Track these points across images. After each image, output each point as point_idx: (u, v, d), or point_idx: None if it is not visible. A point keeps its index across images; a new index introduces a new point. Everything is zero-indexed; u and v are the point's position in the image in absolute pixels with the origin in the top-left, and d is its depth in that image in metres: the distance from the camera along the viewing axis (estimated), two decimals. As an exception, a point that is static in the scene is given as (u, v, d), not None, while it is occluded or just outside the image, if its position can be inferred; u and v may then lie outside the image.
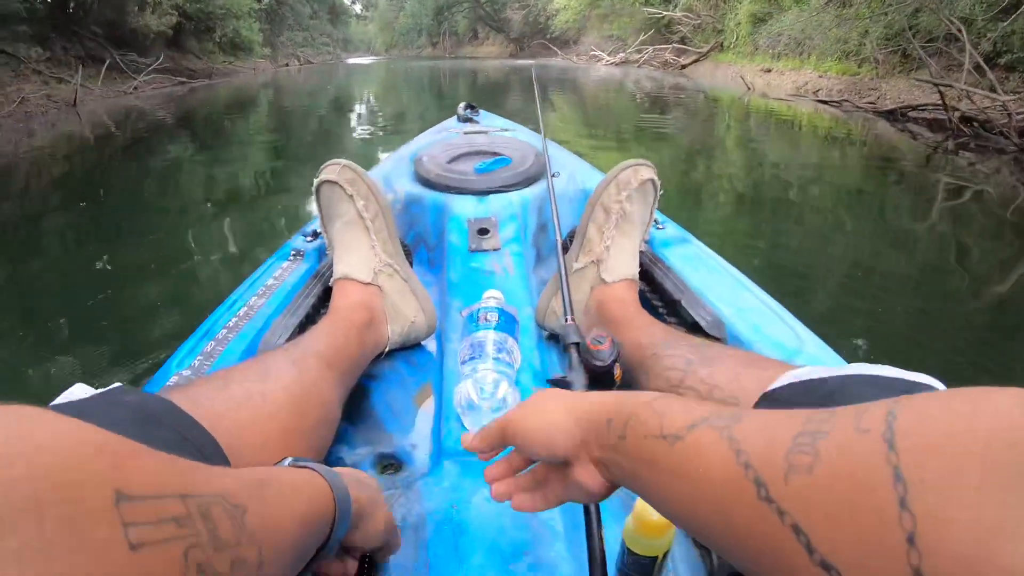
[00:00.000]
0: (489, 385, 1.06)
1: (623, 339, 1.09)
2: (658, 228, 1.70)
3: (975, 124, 7.83)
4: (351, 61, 44.81)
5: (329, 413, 0.97)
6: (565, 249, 1.35)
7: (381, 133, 9.10)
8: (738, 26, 18.73)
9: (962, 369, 2.52)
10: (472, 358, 1.11)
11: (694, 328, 1.23)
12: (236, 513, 0.42)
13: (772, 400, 0.73)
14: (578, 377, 0.92)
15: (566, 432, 0.62)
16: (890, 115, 9.52)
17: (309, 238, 1.66)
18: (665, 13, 22.83)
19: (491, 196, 1.75)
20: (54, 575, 0.29)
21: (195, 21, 20.63)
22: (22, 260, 3.93)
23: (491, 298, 1.26)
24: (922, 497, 0.30)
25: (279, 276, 1.48)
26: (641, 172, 1.32)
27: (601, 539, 0.68)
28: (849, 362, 0.77)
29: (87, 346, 2.75)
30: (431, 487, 0.95)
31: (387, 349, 1.31)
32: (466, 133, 2.37)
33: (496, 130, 2.47)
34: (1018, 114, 7.25)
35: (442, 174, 1.82)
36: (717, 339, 1.17)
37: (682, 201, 5.11)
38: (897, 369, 0.66)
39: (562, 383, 0.93)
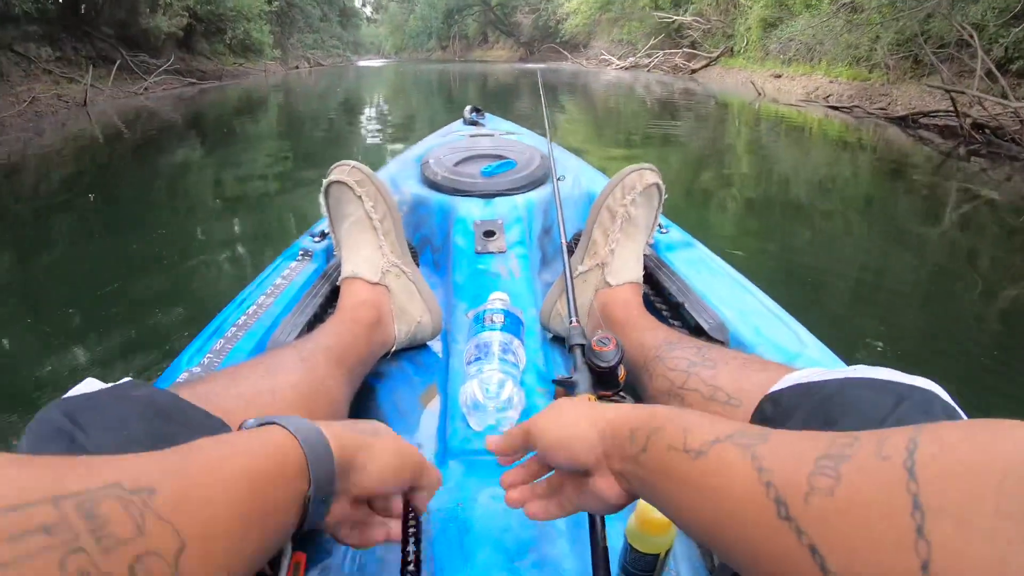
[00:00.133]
0: (495, 385, 1.07)
1: (627, 341, 1.10)
2: (662, 232, 1.72)
3: (987, 131, 7.78)
4: (361, 63, 44.97)
5: (337, 411, 0.98)
6: (570, 252, 1.34)
7: (390, 136, 9.13)
8: (748, 31, 18.70)
9: (974, 377, 2.52)
10: (478, 359, 1.12)
11: (697, 331, 1.25)
12: (137, 500, 0.38)
13: (774, 403, 0.73)
14: (583, 378, 0.92)
15: (588, 442, 0.63)
16: (901, 121, 9.45)
17: (317, 238, 1.68)
18: (675, 18, 22.83)
19: (497, 199, 1.76)
20: None
21: (206, 23, 20.70)
22: (33, 257, 3.97)
23: (497, 300, 1.27)
24: (939, 526, 0.31)
25: (287, 275, 1.50)
26: (646, 176, 1.33)
27: (604, 537, 0.70)
28: (849, 364, 0.78)
29: (97, 341, 2.77)
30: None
31: (393, 349, 1.33)
32: (472, 136, 2.38)
33: (502, 133, 2.48)
34: (1030, 121, 7.23)
35: (448, 176, 1.83)
36: (720, 342, 1.18)
37: (692, 207, 5.11)
38: (896, 372, 0.66)
39: (567, 384, 0.93)
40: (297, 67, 31.54)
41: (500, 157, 1.99)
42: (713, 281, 1.48)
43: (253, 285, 1.46)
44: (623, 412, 0.62)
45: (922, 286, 3.55)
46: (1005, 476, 0.31)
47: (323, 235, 1.68)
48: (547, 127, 2.01)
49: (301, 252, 1.62)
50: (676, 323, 1.36)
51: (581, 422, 0.65)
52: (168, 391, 0.71)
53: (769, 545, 0.40)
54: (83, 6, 15.50)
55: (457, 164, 1.94)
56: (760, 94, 14.06)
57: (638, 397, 1.08)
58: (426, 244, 1.79)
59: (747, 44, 18.96)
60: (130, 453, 0.43)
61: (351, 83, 23.15)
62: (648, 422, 0.57)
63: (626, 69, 25.00)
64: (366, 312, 1.25)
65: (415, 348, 1.42)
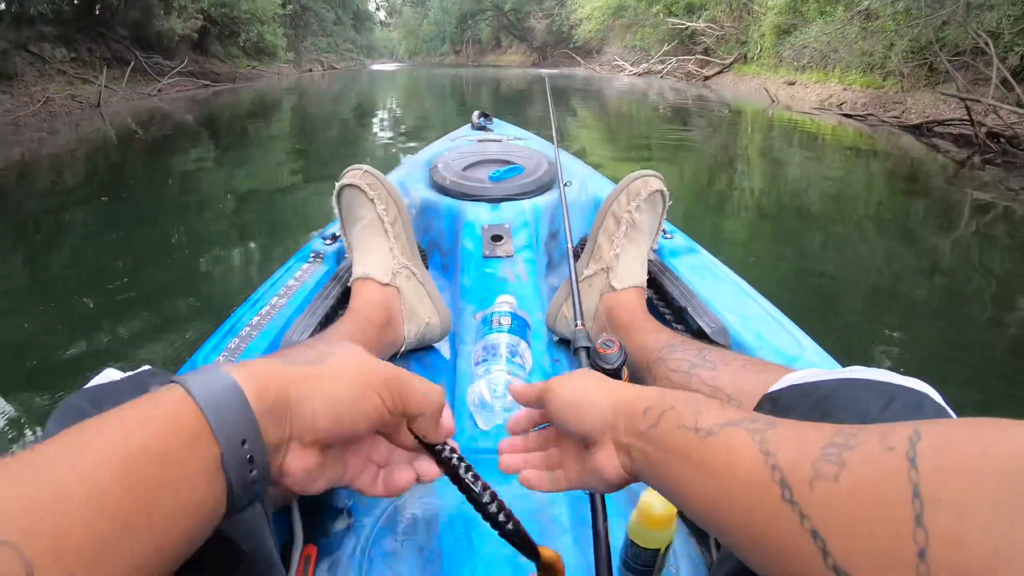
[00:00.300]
0: (501, 386, 1.09)
1: (630, 344, 1.14)
2: (666, 238, 1.74)
3: (1002, 140, 7.71)
4: (374, 67, 45.16)
5: None
6: (576, 256, 1.38)
7: (403, 139, 9.15)
8: (762, 37, 18.66)
9: (987, 385, 2.49)
10: (485, 360, 1.15)
11: (699, 335, 1.27)
12: None
13: (772, 401, 0.75)
14: None
15: (599, 410, 0.62)
16: (915, 129, 9.37)
17: (328, 241, 1.71)
18: (689, 24, 22.80)
19: (504, 204, 1.79)
20: None
21: (220, 25, 20.79)
22: (47, 255, 4.02)
23: (504, 303, 1.30)
24: (936, 516, 0.32)
25: (299, 277, 1.53)
26: (651, 183, 1.36)
27: (606, 532, 0.72)
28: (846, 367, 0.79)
29: (112, 336, 2.81)
30: (443, 483, 0.98)
31: (403, 349, 1.36)
32: (480, 141, 2.40)
33: (510, 138, 2.51)
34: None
35: (457, 181, 1.86)
36: (721, 345, 1.20)
37: (705, 213, 5.11)
38: (891, 373, 0.68)
39: None
40: (310, 70, 31.66)
41: (508, 162, 2.01)
42: (716, 286, 1.49)
43: (266, 286, 1.49)
44: (640, 390, 0.62)
45: (935, 296, 3.53)
46: (1003, 471, 0.32)
47: (334, 238, 1.71)
48: (554, 133, 2.03)
49: (313, 254, 1.65)
50: (679, 327, 1.38)
51: (596, 390, 0.65)
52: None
53: (771, 527, 0.41)
54: (98, 7, 15.58)
55: (465, 169, 1.97)
56: (774, 101, 13.95)
57: None
58: (435, 247, 1.82)
59: (761, 51, 18.92)
60: None
61: (364, 87, 23.22)
62: (661, 402, 0.57)
63: (639, 75, 24.97)
64: (377, 313, 1.28)
65: (423, 349, 1.45)
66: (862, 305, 3.38)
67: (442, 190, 1.87)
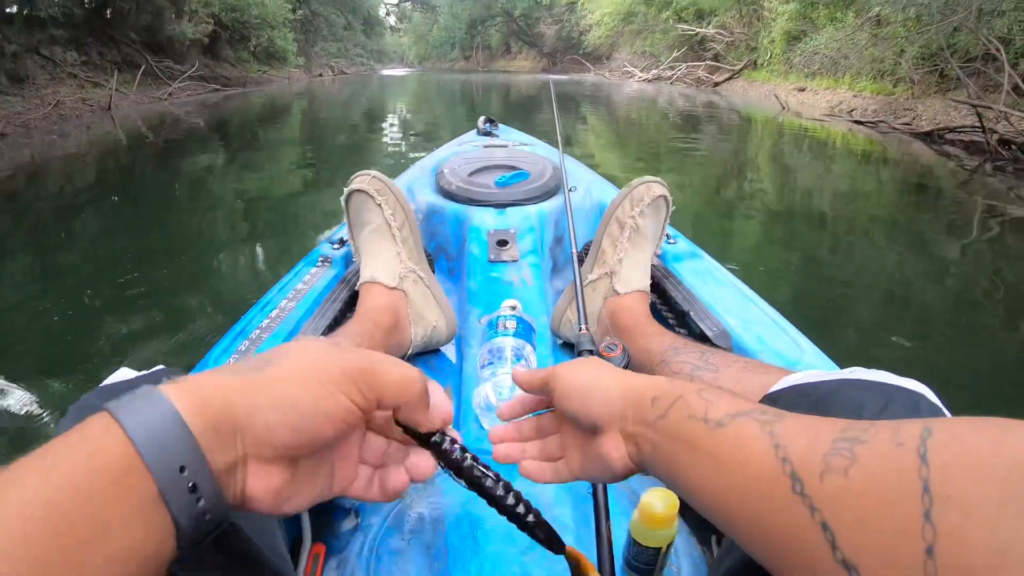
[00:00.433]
0: (507, 389, 1.10)
1: (634, 347, 1.16)
2: (670, 243, 1.75)
3: (1014, 147, 7.66)
4: (385, 72, 45.26)
5: None
6: (580, 261, 1.40)
7: (412, 144, 9.14)
8: (772, 44, 18.63)
9: (999, 393, 2.49)
10: (491, 363, 1.16)
11: (702, 338, 1.29)
12: None
13: (772, 402, 0.74)
14: None
15: (607, 397, 0.61)
16: (927, 136, 9.31)
17: (336, 246, 1.73)
18: (698, 30, 22.78)
19: (510, 209, 1.81)
20: None
21: (230, 30, 20.87)
22: (57, 257, 4.07)
23: (509, 307, 1.32)
24: (945, 513, 0.33)
25: (308, 281, 1.55)
26: (654, 189, 1.39)
27: (609, 531, 0.73)
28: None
29: (122, 338, 2.82)
30: (450, 482, 0.98)
31: (409, 352, 1.38)
32: (486, 147, 2.43)
33: (515, 144, 2.53)
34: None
35: (463, 186, 1.88)
36: (723, 349, 1.21)
37: (714, 222, 5.09)
38: (889, 374, 0.70)
39: None
40: (321, 75, 31.75)
41: (513, 168, 2.03)
42: (718, 291, 1.51)
43: (275, 289, 1.51)
44: (648, 379, 0.61)
45: (945, 304, 3.52)
46: (1011, 469, 0.32)
47: (342, 242, 1.73)
48: (559, 138, 2.06)
49: (321, 258, 1.66)
50: (682, 331, 1.40)
51: (605, 378, 0.63)
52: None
53: (781, 519, 0.41)
54: (109, 11, 15.66)
55: (471, 174, 1.99)
56: (784, 108, 13.92)
57: None
58: (441, 252, 1.84)
59: (771, 57, 18.88)
60: None
61: (374, 92, 23.27)
62: (671, 391, 0.57)
63: (649, 81, 24.94)
64: (384, 316, 1.30)
65: (430, 352, 1.47)
66: (871, 312, 3.36)
67: (448, 195, 1.89)
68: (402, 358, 1.34)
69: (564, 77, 31.06)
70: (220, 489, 0.40)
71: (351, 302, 1.47)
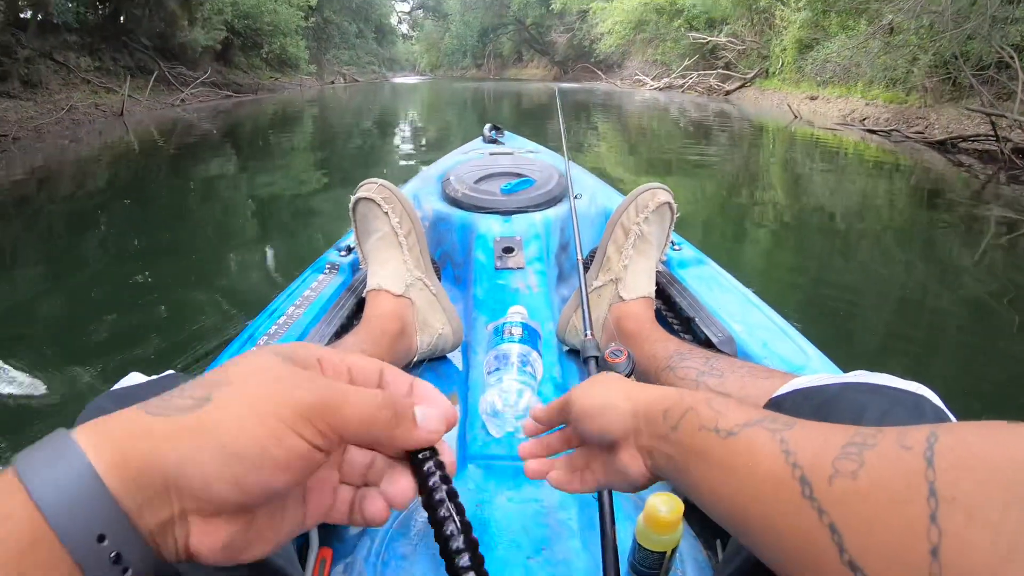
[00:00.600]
0: (513, 395, 1.11)
1: (639, 353, 1.17)
2: (675, 249, 1.77)
3: (1027, 156, 7.62)
4: (396, 80, 45.53)
5: None
6: (586, 268, 1.42)
7: (423, 152, 9.18)
8: (783, 52, 18.60)
9: (1013, 404, 2.44)
10: (497, 369, 1.16)
11: (707, 344, 1.29)
12: None
13: (776, 405, 0.76)
14: None
15: (621, 415, 0.63)
16: (940, 145, 9.24)
17: (343, 253, 1.75)
18: (710, 38, 22.78)
19: (516, 216, 1.82)
20: None
21: (243, 37, 21.03)
22: (68, 259, 4.08)
23: (516, 313, 1.32)
24: (951, 515, 0.33)
25: (315, 287, 1.57)
26: (659, 195, 1.39)
27: (614, 536, 0.73)
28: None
29: (131, 341, 2.82)
30: (456, 488, 0.97)
31: (415, 359, 1.39)
32: (492, 154, 2.45)
33: (520, 151, 2.55)
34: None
35: (469, 194, 1.90)
36: (728, 354, 1.21)
37: (724, 231, 5.08)
38: (892, 377, 0.71)
39: None
40: (333, 82, 31.95)
41: (519, 175, 2.05)
42: (723, 297, 1.52)
43: (283, 296, 1.52)
44: (658, 392, 0.63)
45: (957, 314, 3.49)
46: (1016, 471, 0.33)
47: (349, 249, 1.74)
48: (564, 146, 2.06)
49: (328, 265, 1.68)
50: (687, 337, 1.40)
51: (617, 395, 0.65)
52: None
53: (791, 522, 0.42)
54: (123, 17, 15.78)
55: (477, 182, 2.01)
56: (796, 116, 13.84)
57: None
58: (447, 259, 1.85)
59: (782, 65, 18.85)
60: None
61: (386, 99, 23.35)
62: (681, 403, 0.58)
63: (660, 90, 24.96)
64: (390, 323, 1.30)
65: (436, 359, 1.48)
66: (882, 321, 3.35)
67: (454, 203, 1.90)
68: (408, 365, 1.36)
69: (575, 85, 31.15)
70: (154, 552, 0.35)
71: (358, 309, 1.47)
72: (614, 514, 0.76)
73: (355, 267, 1.68)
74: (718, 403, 0.55)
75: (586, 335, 1.13)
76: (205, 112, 14.44)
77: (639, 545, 0.82)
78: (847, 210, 5.83)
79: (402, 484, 0.45)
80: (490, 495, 1.01)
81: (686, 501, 0.78)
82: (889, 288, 3.79)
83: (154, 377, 0.75)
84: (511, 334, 1.23)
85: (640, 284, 1.37)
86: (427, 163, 2.44)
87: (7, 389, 2.41)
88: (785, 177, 7.64)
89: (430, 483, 0.44)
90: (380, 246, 1.41)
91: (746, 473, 0.47)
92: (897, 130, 10.65)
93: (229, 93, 18.37)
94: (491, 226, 1.77)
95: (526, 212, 1.83)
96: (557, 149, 2.29)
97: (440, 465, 0.45)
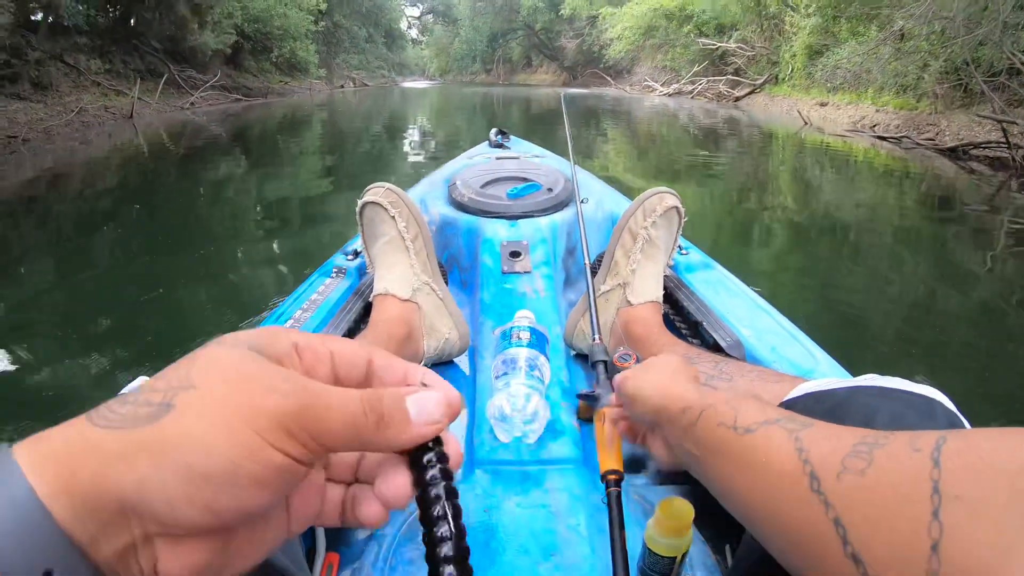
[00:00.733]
0: (521, 399, 1.10)
1: (647, 357, 1.10)
2: (682, 254, 1.76)
3: (1039, 163, 7.57)
4: (406, 85, 45.69)
5: None
6: (593, 272, 1.40)
7: (432, 156, 9.19)
8: (793, 58, 18.56)
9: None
10: (505, 373, 1.16)
11: (715, 349, 1.29)
12: None
13: (787, 408, 0.74)
14: (605, 392, 0.95)
15: (647, 408, 0.70)
16: (951, 152, 9.21)
17: (350, 256, 1.75)
18: (719, 44, 22.77)
19: (522, 220, 1.82)
20: None
21: (253, 40, 21.11)
22: (77, 262, 4.12)
23: (523, 318, 1.32)
24: (953, 512, 0.35)
25: (323, 291, 1.56)
26: (666, 200, 1.39)
27: (623, 540, 0.73)
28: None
29: (138, 344, 2.85)
30: (464, 493, 1.01)
31: (422, 364, 1.37)
32: (498, 159, 2.45)
33: (527, 156, 2.55)
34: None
35: (476, 198, 1.90)
36: (736, 359, 1.22)
37: (734, 239, 5.08)
38: (904, 380, 0.71)
39: (590, 398, 0.98)
40: (342, 87, 32.05)
41: (525, 180, 2.05)
42: (731, 301, 1.52)
43: (290, 300, 1.52)
44: (681, 390, 0.67)
45: (970, 322, 3.47)
46: (1020, 472, 0.34)
47: (356, 253, 1.75)
48: (571, 150, 2.07)
49: (335, 269, 1.68)
50: (695, 341, 1.40)
51: (652, 385, 0.70)
52: None
53: (798, 515, 0.44)
54: (133, 20, 15.84)
55: (484, 186, 2.01)
56: (806, 123, 13.79)
57: None
58: (454, 263, 1.85)
59: (792, 72, 18.80)
60: None
61: (396, 104, 23.43)
62: (701, 401, 0.62)
63: (669, 96, 24.94)
64: (397, 328, 1.30)
65: (443, 363, 1.48)
66: (892, 328, 3.33)
67: (461, 207, 1.90)
68: None
69: (585, 91, 31.17)
70: None
71: (365, 313, 1.47)
72: (623, 519, 0.76)
73: (362, 271, 1.68)
74: (736, 402, 0.57)
75: (594, 339, 1.13)
76: (214, 115, 14.51)
77: (649, 550, 0.82)
78: (857, 217, 5.81)
79: (398, 482, 0.39)
80: (498, 500, 1.00)
81: (696, 505, 0.78)
82: (899, 294, 3.78)
83: None
84: (519, 338, 1.22)
85: (648, 288, 1.37)
86: (436, 167, 2.44)
87: (13, 390, 2.43)
88: (795, 183, 7.62)
89: (427, 476, 0.38)
90: (387, 250, 1.41)
91: (760, 468, 0.49)
92: (908, 137, 10.60)
93: (239, 97, 18.44)
94: (498, 230, 1.77)
95: (533, 216, 1.84)
96: (565, 154, 2.29)
97: (442, 458, 0.39)
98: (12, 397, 2.44)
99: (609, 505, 0.77)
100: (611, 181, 2.46)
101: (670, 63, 27.22)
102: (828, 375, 1.16)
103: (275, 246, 4.59)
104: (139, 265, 4.02)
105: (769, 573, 0.53)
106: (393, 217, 1.39)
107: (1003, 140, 7.93)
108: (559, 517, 0.97)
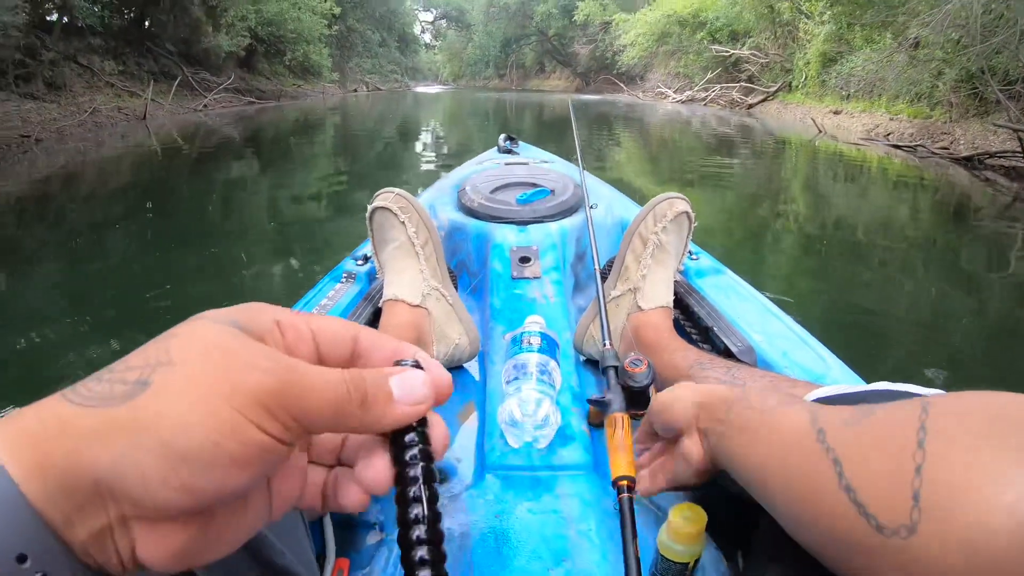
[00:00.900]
0: (532, 404, 1.10)
1: (658, 362, 1.16)
2: (692, 259, 1.76)
3: (1056, 173, 7.51)
4: (419, 89, 45.86)
5: None
6: (603, 278, 1.40)
7: (444, 161, 9.18)
8: (807, 65, 18.51)
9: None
10: (516, 378, 1.16)
11: (726, 354, 1.29)
12: None
13: None
14: (616, 398, 0.96)
15: (686, 405, 0.75)
16: (966, 162, 9.13)
17: (360, 262, 1.75)
18: (733, 51, 22.73)
19: (532, 226, 1.83)
20: None
21: (266, 44, 21.23)
22: (88, 262, 4.16)
23: (534, 323, 1.31)
24: (935, 442, 0.40)
25: (332, 296, 1.57)
26: (676, 205, 1.39)
27: (636, 547, 0.73)
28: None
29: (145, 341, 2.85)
30: (475, 498, 1.01)
31: None
32: (507, 164, 2.45)
33: (535, 161, 2.56)
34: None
35: (485, 204, 1.90)
36: (748, 364, 1.21)
37: (747, 247, 5.06)
38: (916, 386, 0.71)
39: (601, 403, 0.97)
40: (355, 90, 32.16)
41: (535, 185, 2.06)
42: (741, 306, 1.52)
43: (299, 305, 1.52)
44: (722, 389, 0.73)
45: (984, 333, 3.46)
46: (997, 414, 0.39)
47: (366, 259, 1.74)
48: (579, 156, 2.06)
49: (345, 274, 1.68)
50: (706, 346, 1.40)
51: (686, 392, 0.76)
52: None
53: (805, 465, 0.49)
54: (147, 22, 15.92)
55: (493, 192, 2.01)
56: (820, 131, 13.72)
57: None
58: (463, 269, 1.85)
59: (806, 79, 18.75)
60: None
61: (408, 108, 23.49)
62: (736, 393, 0.69)
63: (682, 103, 24.91)
64: (406, 333, 1.29)
65: (453, 369, 1.46)
66: (905, 339, 3.31)
67: (470, 212, 1.91)
68: None
69: (597, 97, 31.19)
70: (90, 567, 0.30)
71: (374, 319, 1.46)
72: (635, 525, 0.75)
73: (372, 276, 1.68)
74: (766, 392, 0.65)
75: (605, 345, 1.12)
76: (227, 118, 14.58)
77: (662, 556, 0.82)
78: (870, 225, 5.78)
79: (378, 466, 0.38)
80: (509, 506, 1.00)
81: (708, 512, 0.78)
82: (913, 303, 3.76)
83: None
84: (529, 344, 1.22)
85: (659, 294, 1.37)
86: (449, 170, 2.44)
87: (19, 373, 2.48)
88: (808, 192, 7.59)
89: (406, 456, 0.37)
90: (397, 256, 1.41)
91: (777, 434, 0.56)
92: (922, 145, 10.51)
93: (252, 99, 18.53)
94: (507, 236, 1.77)
95: (542, 222, 1.84)
96: (574, 159, 2.29)
97: (424, 439, 0.38)
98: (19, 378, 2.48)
99: (621, 511, 0.77)
100: (624, 186, 2.45)
101: (683, 70, 27.23)
102: (840, 380, 1.16)
103: (286, 249, 4.61)
104: (148, 265, 4.04)
105: (781, 572, 0.58)
106: (403, 223, 1.39)
107: (1019, 149, 7.88)
108: (570, 523, 0.97)
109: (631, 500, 0.78)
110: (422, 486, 0.36)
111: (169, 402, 0.29)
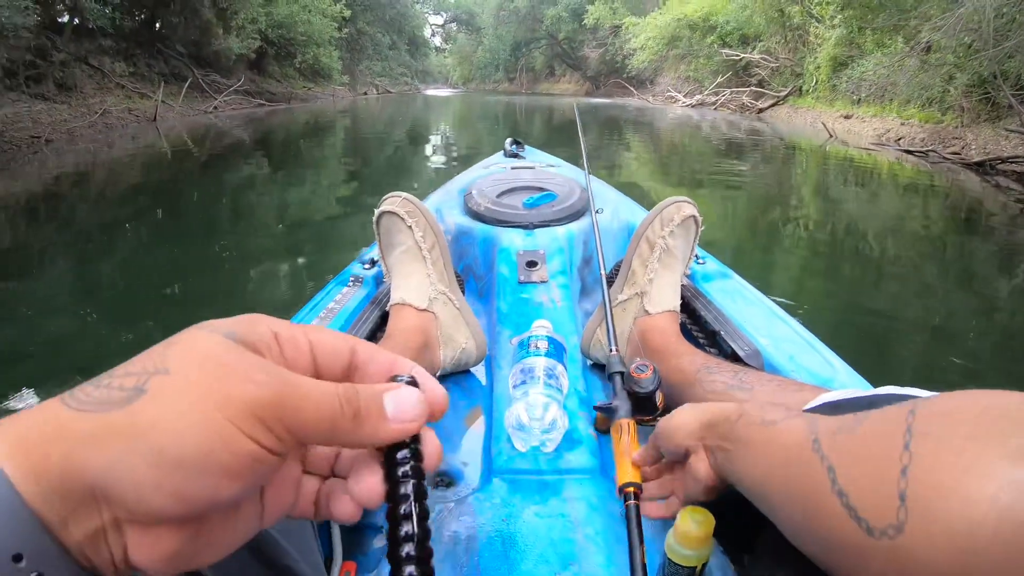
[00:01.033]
0: (539, 408, 1.10)
1: (665, 367, 1.16)
2: (699, 263, 1.76)
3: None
4: (429, 92, 46.01)
5: None
6: (609, 282, 1.41)
7: (454, 165, 9.16)
8: (818, 70, 18.44)
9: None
10: (523, 382, 1.16)
11: (733, 358, 1.28)
12: None
13: None
14: (622, 403, 0.97)
15: (691, 427, 0.74)
16: (978, 167, 9.06)
17: (367, 265, 1.75)
18: (743, 55, 22.68)
19: (538, 230, 1.83)
20: None
21: (277, 46, 21.30)
22: (97, 262, 4.19)
23: (541, 327, 1.31)
24: (921, 443, 0.41)
25: (339, 300, 1.57)
26: (684, 209, 1.39)
27: (643, 552, 0.75)
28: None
29: (149, 344, 2.86)
30: (482, 502, 1.02)
31: (439, 374, 1.38)
32: (513, 168, 2.45)
33: (542, 165, 2.56)
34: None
35: (492, 208, 1.90)
36: (755, 368, 1.21)
37: (756, 252, 5.04)
38: (925, 391, 0.73)
39: (607, 410, 0.98)
40: (365, 93, 32.26)
41: (541, 189, 2.06)
42: (748, 310, 1.52)
43: (307, 309, 1.52)
44: (724, 406, 0.73)
45: (995, 342, 3.43)
46: (981, 414, 0.39)
47: (373, 262, 1.75)
48: (584, 161, 2.07)
49: (352, 278, 1.68)
50: (712, 350, 1.39)
51: (689, 413, 0.75)
52: None
53: (800, 473, 0.50)
54: (158, 24, 15.98)
55: (500, 196, 2.01)
56: (831, 136, 13.64)
57: None
58: (470, 273, 1.85)
59: (816, 83, 18.69)
60: None
61: (418, 111, 23.53)
62: (737, 410, 0.69)
63: (692, 107, 24.85)
64: (414, 337, 1.29)
65: (460, 373, 1.47)
66: (914, 342, 3.31)
67: (477, 216, 1.91)
68: None
69: (607, 101, 31.17)
70: (85, 567, 0.30)
71: (382, 322, 1.47)
72: (642, 529, 0.76)
73: (379, 280, 1.68)
74: (767, 407, 0.66)
75: (611, 350, 1.12)
76: (238, 120, 14.64)
77: (669, 560, 0.81)
78: (880, 230, 5.76)
79: (370, 480, 0.38)
80: (516, 509, 1.00)
81: (716, 516, 0.78)
82: (922, 309, 3.75)
83: None
84: (537, 348, 1.22)
85: (666, 298, 1.36)
86: (458, 173, 2.44)
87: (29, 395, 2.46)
88: (818, 196, 7.56)
89: (398, 473, 0.37)
90: (404, 260, 1.41)
91: (776, 450, 0.56)
92: (934, 150, 10.44)
93: (262, 102, 18.59)
94: (514, 240, 1.77)
95: (549, 226, 1.84)
96: (580, 163, 2.29)
97: (417, 456, 0.38)
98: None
99: (628, 519, 0.78)
100: (632, 190, 2.45)
101: (693, 74, 27.17)
102: (847, 384, 1.16)
103: (294, 253, 4.63)
104: (156, 266, 4.06)
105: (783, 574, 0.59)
106: (410, 227, 1.39)
107: (1031, 155, 7.83)
108: (577, 526, 0.97)
109: (638, 507, 0.79)
110: (413, 504, 0.37)
111: (164, 410, 0.30)
